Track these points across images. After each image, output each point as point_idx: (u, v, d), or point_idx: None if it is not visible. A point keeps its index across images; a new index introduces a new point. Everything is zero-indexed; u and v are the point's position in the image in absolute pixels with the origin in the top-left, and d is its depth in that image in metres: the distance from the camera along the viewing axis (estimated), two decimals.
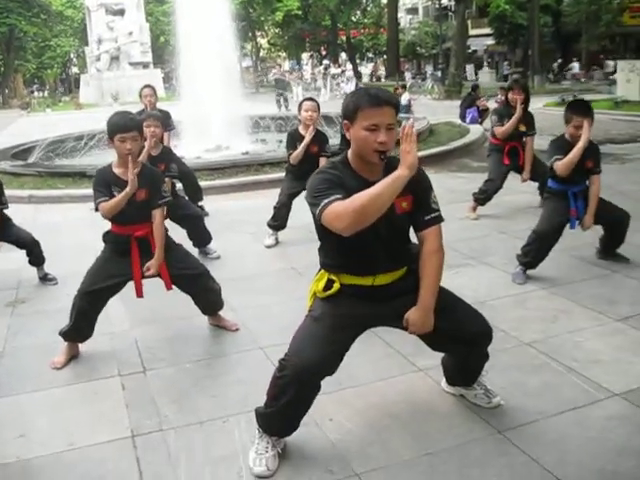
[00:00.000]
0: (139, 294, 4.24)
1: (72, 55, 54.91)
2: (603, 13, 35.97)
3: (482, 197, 7.29)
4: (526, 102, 7.06)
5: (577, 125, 4.97)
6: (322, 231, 2.85)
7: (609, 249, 5.56)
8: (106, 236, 4.29)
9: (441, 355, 3.48)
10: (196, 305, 4.49)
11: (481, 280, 5.29)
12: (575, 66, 39.01)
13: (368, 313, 3.01)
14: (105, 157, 12.92)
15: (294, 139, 6.42)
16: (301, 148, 6.25)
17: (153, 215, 4.15)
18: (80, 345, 4.31)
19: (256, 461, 3.01)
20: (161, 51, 44.93)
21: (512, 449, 3.05)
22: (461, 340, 3.11)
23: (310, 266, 5.76)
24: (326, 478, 2.93)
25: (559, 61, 40.62)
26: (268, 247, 6.60)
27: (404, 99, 19.39)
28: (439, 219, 2.90)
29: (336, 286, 2.96)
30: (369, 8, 54.30)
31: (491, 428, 3.23)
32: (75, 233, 7.49)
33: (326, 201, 2.62)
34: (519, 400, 3.46)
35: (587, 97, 20.79)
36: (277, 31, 54.94)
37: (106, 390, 3.82)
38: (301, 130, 6.41)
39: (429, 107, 22.96)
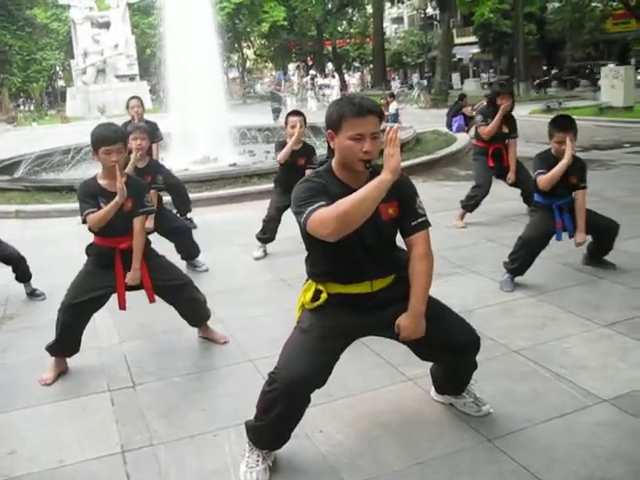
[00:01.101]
0: (122, 306, 4.23)
1: (58, 68, 54.76)
2: (586, 21, 36.30)
3: (471, 203, 7.33)
4: (511, 106, 7.19)
5: (559, 141, 5.03)
6: (308, 240, 2.85)
7: (596, 256, 5.61)
8: (89, 249, 4.28)
9: (430, 364, 3.49)
10: (182, 317, 4.48)
11: (469, 288, 5.31)
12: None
13: (357, 323, 3.02)
14: (93, 170, 12.94)
15: (282, 148, 6.41)
16: (287, 148, 6.23)
17: (134, 224, 4.14)
18: (68, 360, 4.29)
19: (247, 475, 3.00)
20: (147, 63, 44.91)
21: (502, 457, 3.06)
22: (450, 349, 3.13)
23: (299, 277, 5.77)
24: None
25: (551, 70, 40.90)
26: (257, 259, 6.60)
27: (392, 108, 19.49)
28: (426, 224, 2.91)
29: (323, 296, 2.96)
30: (355, 18, 54.51)
31: (480, 436, 3.24)
32: (63, 247, 7.45)
33: (310, 209, 2.62)
34: (508, 408, 3.48)
35: (572, 104, 21.05)
36: (263, 42, 55.04)
37: (95, 405, 3.80)
38: (289, 141, 6.41)
39: (416, 116, 23.07)
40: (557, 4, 39.36)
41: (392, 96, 21.39)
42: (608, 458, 3.01)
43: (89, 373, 4.23)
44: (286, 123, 6.38)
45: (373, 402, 3.63)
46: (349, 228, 2.57)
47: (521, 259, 5.24)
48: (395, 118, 18.83)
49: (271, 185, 9.47)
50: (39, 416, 3.74)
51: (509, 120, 7.26)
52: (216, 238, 7.31)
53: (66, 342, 4.20)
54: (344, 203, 2.54)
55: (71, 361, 4.30)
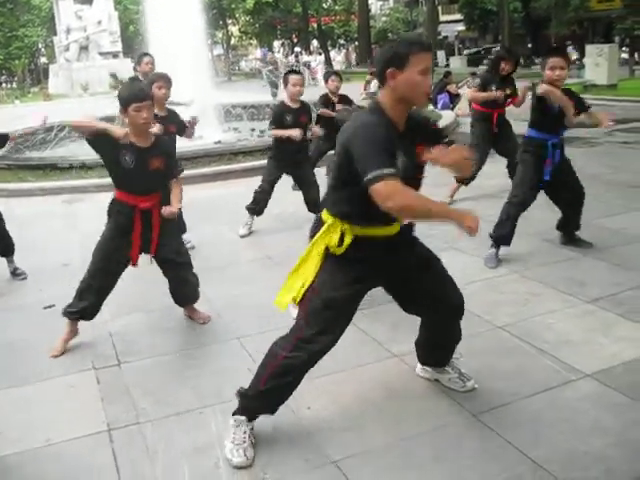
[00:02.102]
0: (134, 263, 4.30)
1: (40, 45, 53.98)
2: None
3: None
4: (514, 69, 7.27)
5: (552, 66, 4.99)
6: (348, 177, 2.80)
7: (569, 231, 5.63)
8: (111, 206, 4.29)
9: (415, 339, 3.52)
10: (170, 293, 4.48)
11: (454, 265, 5.22)
12: None
13: (375, 271, 3.04)
14: (76, 149, 12.83)
15: (281, 112, 6.46)
16: (284, 133, 6.28)
17: (173, 186, 4.24)
18: (51, 340, 4.28)
19: (234, 452, 3.02)
20: (131, 40, 44.40)
21: (486, 432, 3.10)
22: (439, 307, 3.19)
23: (285, 254, 5.83)
24: (303, 466, 2.95)
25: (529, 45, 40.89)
26: (242, 237, 6.59)
27: (373, 86, 19.36)
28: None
29: (347, 240, 2.91)
30: None
31: (465, 412, 3.27)
32: (46, 226, 7.42)
33: (380, 173, 2.58)
34: (493, 383, 3.52)
35: None
36: (248, 19, 54.45)
37: (81, 384, 3.80)
38: (288, 102, 6.47)
39: None
40: None
41: (372, 73, 21.24)
42: (590, 432, 3.06)
43: (74, 351, 4.22)
44: (286, 81, 6.44)
45: (359, 379, 3.65)
46: (405, 217, 2.81)
47: (509, 224, 5.28)
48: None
49: (256, 162, 9.53)
50: (24, 395, 3.73)
51: (511, 82, 7.24)
52: (201, 216, 7.27)
53: (94, 305, 4.28)
54: (417, 201, 2.64)
55: (54, 341, 4.28)
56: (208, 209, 7.62)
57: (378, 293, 4.48)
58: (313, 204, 6.77)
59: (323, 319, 2.95)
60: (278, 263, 5.65)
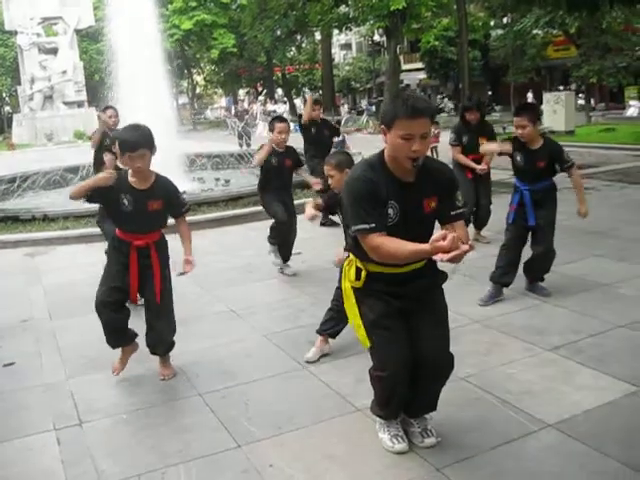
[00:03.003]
0: (134, 300, 4.43)
1: (4, 94, 53.81)
2: (528, 48, 37.30)
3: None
4: (481, 117, 7.60)
5: (516, 125, 5.43)
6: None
7: (532, 275, 5.75)
8: (112, 240, 4.44)
9: None
10: (146, 339, 4.46)
11: None
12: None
13: (395, 292, 3.22)
14: (40, 199, 12.75)
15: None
16: (264, 153, 6.49)
17: (180, 224, 4.42)
18: (11, 398, 4.20)
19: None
20: (96, 90, 44.44)
21: None
22: (416, 358, 3.26)
23: (248, 308, 5.81)
24: None
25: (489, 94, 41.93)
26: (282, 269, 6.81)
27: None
28: (462, 215, 3.16)
29: (363, 274, 3.22)
30: (304, 45, 54.97)
31: (429, 465, 3.27)
32: (6, 280, 7.30)
33: (367, 227, 2.93)
34: (456, 435, 3.53)
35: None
36: (213, 68, 55.07)
37: (41, 445, 3.71)
38: (274, 145, 6.60)
39: (365, 141, 23.28)
40: (500, 31, 40.43)
41: (338, 123, 21.54)
42: None
43: (34, 411, 4.13)
44: (272, 128, 6.61)
45: (322, 434, 3.63)
46: (391, 262, 3.02)
47: (507, 266, 5.53)
48: (342, 145, 18.95)
49: (221, 213, 9.56)
50: None
51: (485, 129, 7.59)
52: None
53: (117, 333, 4.39)
54: (396, 251, 2.91)
55: (15, 399, 4.21)
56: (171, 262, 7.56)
57: (343, 343, 4.51)
58: (285, 254, 6.81)
59: (379, 345, 3.27)
60: (241, 316, 5.64)
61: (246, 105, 42.76)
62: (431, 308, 3.30)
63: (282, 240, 6.82)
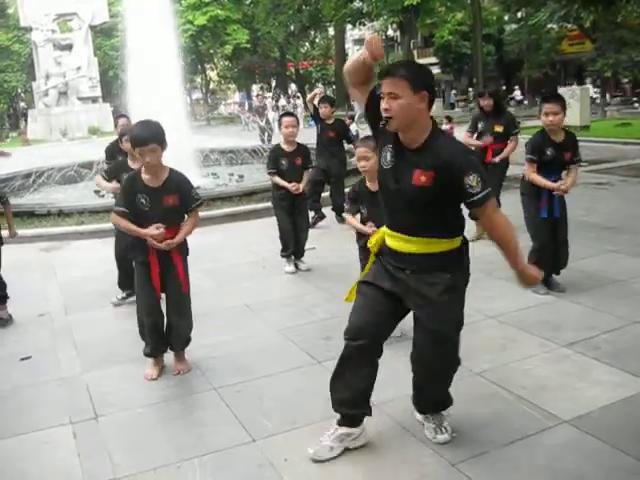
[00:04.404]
0: (159, 296, 4.46)
1: (19, 90, 54.14)
2: (543, 42, 37.09)
3: None
4: (496, 106, 7.64)
5: (547, 111, 5.37)
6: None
7: (552, 271, 5.71)
8: (133, 243, 4.46)
9: (399, 391, 3.58)
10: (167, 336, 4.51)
11: None
12: (517, 93, 40.14)
13: (391, 280, 3.23)
14: (55, 195, 12.82)
15: (277, 155, 6.65)
16: (283, 184, 6.57)
17: (190, 218, 4.40)
18: (27, 392, 4.23)
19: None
20: (110, 85, 44.70)
21: None
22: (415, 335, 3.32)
23: (263, 303, 5.82)
24: None
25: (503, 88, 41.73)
26: (287, 272, 6.76)
27: (353, 129, 19.58)
28: (479, 201, 2.98)
29: (373, 240, 3.34)
30: (317, 40, 54.99)
31: (444, 461, 3.27)
32: (22, 276, 7.34)
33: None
34: (472, 431, 3.52)
35: (530, 123, 21.45)
36: (227, 64, 55.12)
37: (57, 440, 3.74)
38: (283, 145, 6.64)
39: None
40: (514, 26, 40.22)
41: (351, 118, 21.49)
42: None
43: (50, 406, 4.16)
44: (280, 124, 6.68)
45: None
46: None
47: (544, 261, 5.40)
48: (356, 139, 18.92)
49: (235, 208, 9.59)
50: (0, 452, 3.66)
51: (502, 118, 7.61)
52: None
53: (156, 340, 4.46)
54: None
55: (31, 393, 4.24)
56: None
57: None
58: (298, 250, 6.83)
59: (354, 304, 3.32)
60: (256, 311, 5.65)
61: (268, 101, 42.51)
62: (428, 312, 3.17)
63: (285, 247, 6.82)
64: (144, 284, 4.39)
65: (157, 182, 4.23)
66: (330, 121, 9.01)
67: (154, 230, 4.17)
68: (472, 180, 2.92)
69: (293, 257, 6.86)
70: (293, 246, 6.81)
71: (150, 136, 4.10)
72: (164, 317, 4.48)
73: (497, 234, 3.09)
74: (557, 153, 5.47)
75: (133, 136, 4.20)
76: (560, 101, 5.40)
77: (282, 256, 6.87)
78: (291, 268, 6.80)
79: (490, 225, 3.09)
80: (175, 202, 4.26)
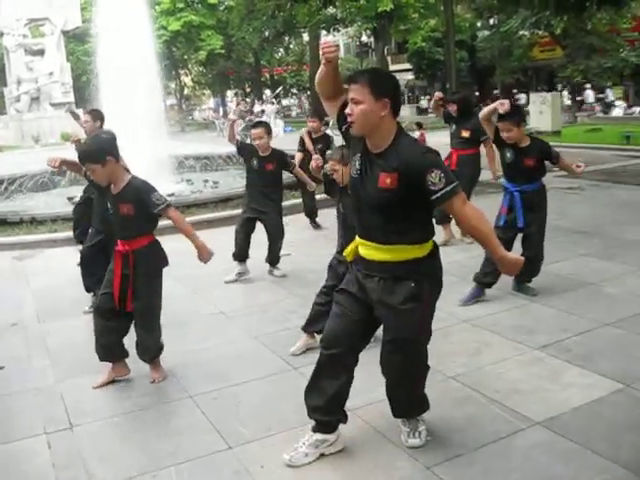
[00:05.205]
0: (118, 306, 4.33)
1: None
2: (515, 48, 37.55)
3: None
4: (463, 111, 7.70)
5: (502, 129, 5.47)
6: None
7: (523, 277, 5.75)
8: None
9: (375, 396, 3.64)
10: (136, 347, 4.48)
11: None
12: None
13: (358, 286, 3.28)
14: (28, 202, 12.68)
15: (251, 154, 6.67)
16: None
17: (171, 221, 4.37)
18: (3, 403, 4.20)
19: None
20: (83, 91, 44.22)
21: None
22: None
23: (238, 310, 5.82)
24: None
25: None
26: (226, 282, 6.70)
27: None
28: (443, 197, 2.97)
29: (348, 249, 3.37)
30: (292, 46, 55.02)
31: (419, 464, 3.30)
32: None
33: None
34: (446, 434, 3.56)
35: None
36: (201, 69, 54.97)
37: (31, 450, 3.70)
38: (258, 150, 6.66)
39: None
40: (487, 32, 40.66)
41: (326, 124, 21.50)
42: None
43: (25, 416, 4.12)
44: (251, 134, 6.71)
45: None
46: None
47: (492, 267, 5.40)
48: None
49: (210, 215, 9.58)
50: None
51: (467, 124, 7.64)
52: None
53: (106, 345, 4.40)
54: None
55: (5, 404, 4.21)
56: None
57: None
58: (270, 256, 6.82)
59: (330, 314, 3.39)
60: (231, 318, 5.66)
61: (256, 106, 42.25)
62: (392, 320, 3.22)
63: (238, 253, 6.80)
64: (107, 284, 4.38)
65: (117, 189, 4.26)
66: (316, 135, 9.17)
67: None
68: (434, 177, 2.93)
69: (240, 266, 6.82)
70: (240, 250, 6.77)
71: (84, 157, 4.20)
72: (121, 326, 4.43)
73: (470, 225, 3.10)
74: (516, 157, 5.52)
75: (78, 153, 4.31)
76: (513, 118, 5.42)
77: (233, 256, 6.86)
78: (231, 277, 6.77)
79: (462, 218, 3.09)
80: (130, 211, 4.21)
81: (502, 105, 5.32)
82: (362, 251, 3.23)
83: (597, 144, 17.79)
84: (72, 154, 4.50)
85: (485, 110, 5.76)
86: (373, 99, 2.98)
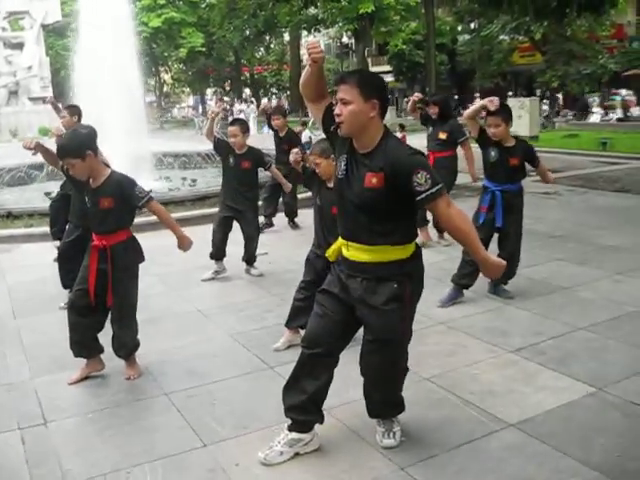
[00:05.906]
0: (91, 300, 4.30)
1: None
2: (495, 53, 37.87)
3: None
4: (441, 113, 7.80)
5: (489, 123, 5.52)
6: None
7: (498, 281, 5.79)
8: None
9: (350, 396, 3.64)
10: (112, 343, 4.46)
11: None
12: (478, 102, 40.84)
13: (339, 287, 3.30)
14: (3, 196, 12.53)
15: (227, 150, 6.65)
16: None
17: (154, 213, 4.39)
18: None
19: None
20: (62, 85, 43.75)
21: None
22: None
23: (215, 307, 5.82)
24: None
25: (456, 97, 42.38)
26: (203, 280, 6.70)
27: (305, 136, 19.62)
28: (428, 198, 2.98)
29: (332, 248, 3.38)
30: (272, 45, 55.00)
31: (393, 465, 3.32)
32: None
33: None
34: (421, 435, 3.59)
35: None
36: (181, 67, 54.79)
37: (5, 445, 3.67)
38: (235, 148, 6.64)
39: None
40: (467, 36, 40.95)
41: (304, 124, 21.55)
42: None
43: None
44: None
45: None
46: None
47: (470, 268, 5.50)
48: (308, 146, 18.98)
49: (187, 213, 9.54)
50: None
51: (445, 126, 7.73)
52: None
53: (80, 341, 4.37)
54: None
55: None
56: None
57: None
58: (246, 255, 6.81)
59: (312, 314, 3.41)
60: (208, 316, 5.65)
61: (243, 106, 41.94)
62: (373, 320, 3.22)
63: (215, 253, 6.80)
64: (81, 280, 4.34)
65: (96, 183, 4.24)
66: (282, 133, 9.12)
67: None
68: (420, 178, 2.94)
69: (217, 264, 6.83)
70: (217, 250, 6.77)
71: (64, 152, 4.17)
72: (97, 322, 4.42)
73: (454, 227, 3.10)
74: (501, 156, 5.56)
75: (57, 148, 4.25)
76: (503, 113, 5.48)
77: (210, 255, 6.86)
78: (206, 275, 6.78)
79: (446, 219, 3.09)
80: (110, 205, 4.20)
81: (491, 102, 5.35)
82: (346, 252, 3.24)
83: (574, 150, 17.99)
84: (52, 148, 4.47)
85: (471, 108, 5.82)
86: (362, 100, 3.00)
